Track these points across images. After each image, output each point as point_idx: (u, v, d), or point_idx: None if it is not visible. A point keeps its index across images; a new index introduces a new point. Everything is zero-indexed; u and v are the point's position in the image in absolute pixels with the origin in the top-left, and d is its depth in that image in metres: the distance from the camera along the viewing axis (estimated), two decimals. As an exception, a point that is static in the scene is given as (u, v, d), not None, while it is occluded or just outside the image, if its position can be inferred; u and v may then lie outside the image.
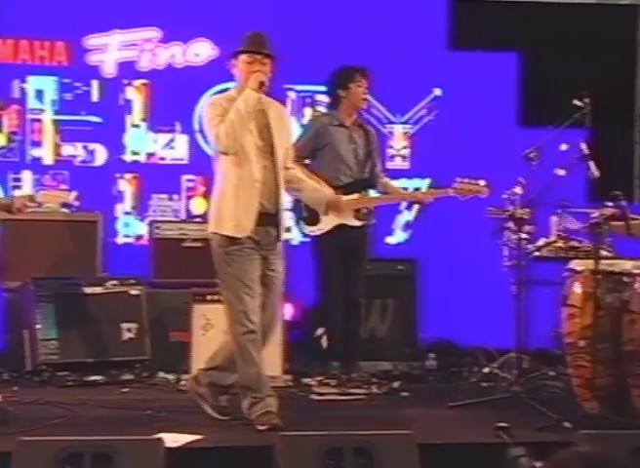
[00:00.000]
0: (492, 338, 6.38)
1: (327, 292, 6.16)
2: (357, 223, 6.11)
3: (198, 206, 7.29)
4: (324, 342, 6.17)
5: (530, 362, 5.92)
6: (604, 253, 5.41)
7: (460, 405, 5.47)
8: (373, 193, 6.31)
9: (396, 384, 6.10)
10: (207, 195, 6.47)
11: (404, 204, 7.29)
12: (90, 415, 5.17)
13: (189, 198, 7.38)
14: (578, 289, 5.25)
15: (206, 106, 5.12)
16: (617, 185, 5.32)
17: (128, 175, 7.34)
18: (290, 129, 5.46)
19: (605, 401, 4.97)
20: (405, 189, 6.89)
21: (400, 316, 6.72)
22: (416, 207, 6.76)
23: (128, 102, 7.34)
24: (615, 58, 7.82)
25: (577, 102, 5.72)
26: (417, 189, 7.17)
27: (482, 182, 5.94)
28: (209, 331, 5.97)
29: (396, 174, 7.13)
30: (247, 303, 4.89)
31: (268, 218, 5.00)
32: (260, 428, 4.81)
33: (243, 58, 5.03)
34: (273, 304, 5.06)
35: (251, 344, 4.89)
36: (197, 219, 7.10)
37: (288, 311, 6.40)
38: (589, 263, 5.13)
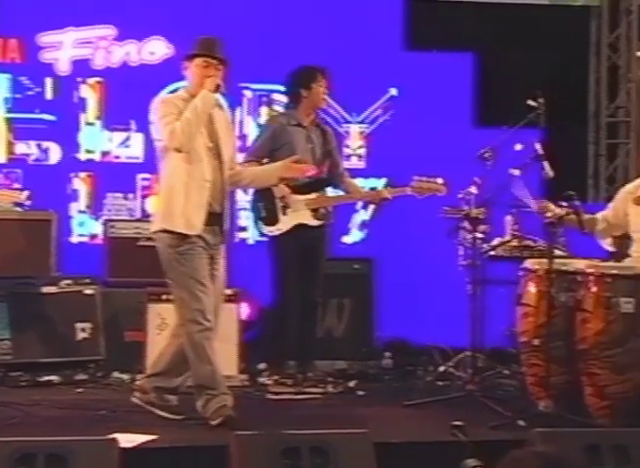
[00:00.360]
0: (447, 337, 6.40)
1: (284, 291, 6.15)
2: (316, 223, 6.11)
3: (153, 205, 7.24)
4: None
5: (485, 360, 5.96)
6: (558, 252, 5.45)
7: (416, 403, 5.49)
8: (331, 192, 6.31)
9: (352, 383, 6.11)
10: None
11: (360, 203, 7.30)
12: (43, 416, 5.13)
13: (144, 197, 7.33)
14: (532, 288, 5.29)
15: (158, 104, 5.07)
16: (571, 185, 5.36)
17: (82, 174, 7.28)
18: (233, 134, 5.48)
19: (559, 399, 5.00)
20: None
21: (356, 315, 6.73)
22: (372, 206, 6.76)
23: (82, 100, 7.27)
24: (568, 59, 7.89)
25: (531, 103, 5.76)
26: (372, 189, 7.18)
27: (440, 180, 5.98)
28: (164, 331, 5.91)
29: (352, 173, 7.11)
30: (203, 301, 4.89)
31: (215, 218, 5.01)
32: (214, 423, 4.80)
33: (198, 61, 5.02)
34: (216, 304, 5.05)
35: (206, 342, 4.89)
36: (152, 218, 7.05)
37: (244, 310, 6.39)
38: (543, 263, 5.17)
